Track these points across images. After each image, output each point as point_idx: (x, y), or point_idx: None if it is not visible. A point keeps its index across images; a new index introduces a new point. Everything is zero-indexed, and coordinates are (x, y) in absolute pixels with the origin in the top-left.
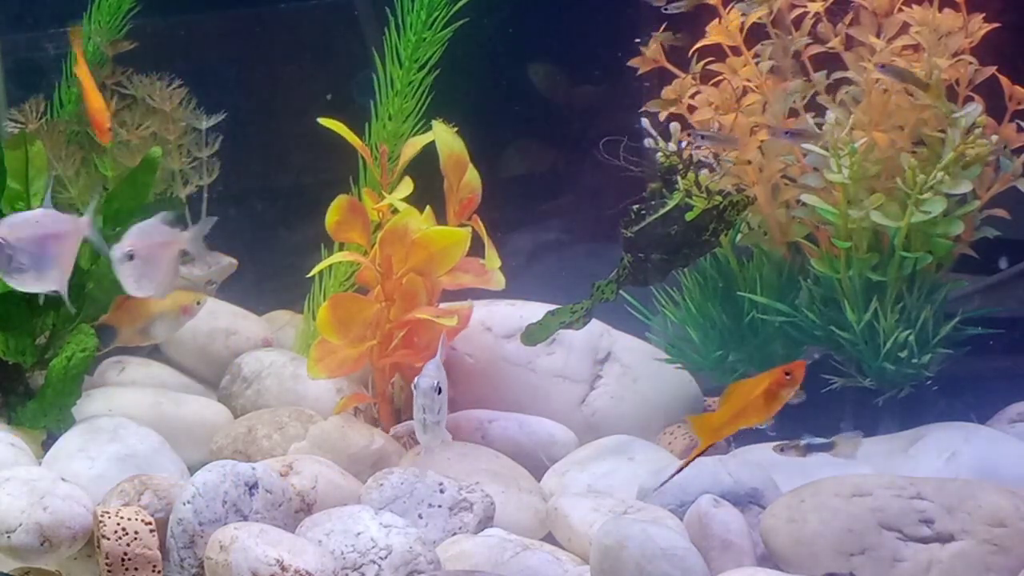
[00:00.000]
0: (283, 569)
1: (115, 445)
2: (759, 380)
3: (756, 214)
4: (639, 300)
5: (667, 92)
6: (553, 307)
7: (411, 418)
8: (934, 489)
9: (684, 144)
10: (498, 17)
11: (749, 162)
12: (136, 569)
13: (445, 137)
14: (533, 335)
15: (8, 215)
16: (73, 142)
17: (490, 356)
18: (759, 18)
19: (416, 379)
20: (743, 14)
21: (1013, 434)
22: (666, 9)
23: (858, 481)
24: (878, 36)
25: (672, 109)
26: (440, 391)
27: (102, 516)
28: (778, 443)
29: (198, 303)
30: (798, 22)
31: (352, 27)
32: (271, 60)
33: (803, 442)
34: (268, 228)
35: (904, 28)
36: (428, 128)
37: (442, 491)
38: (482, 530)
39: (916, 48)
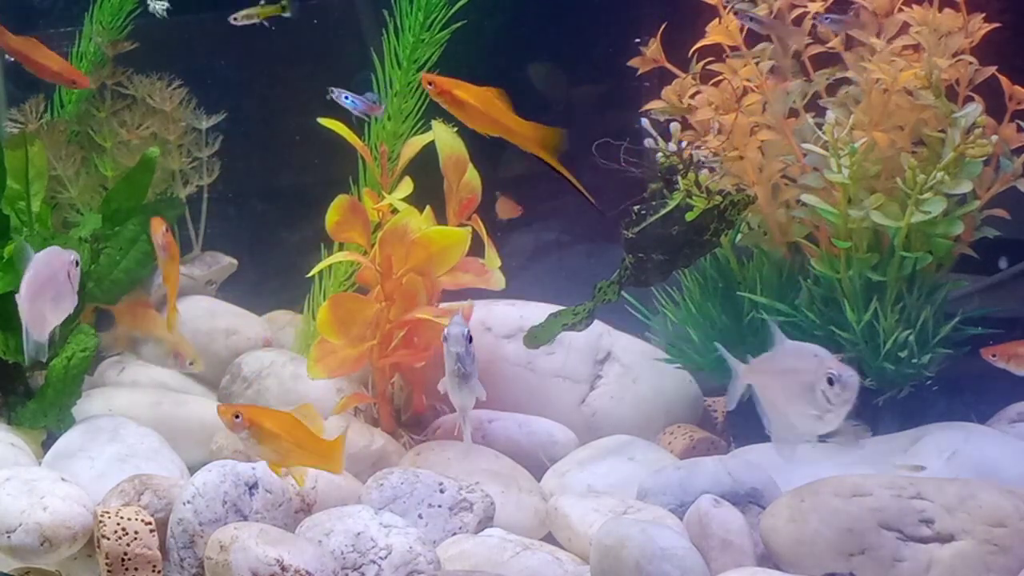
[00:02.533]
0: (283, 569)
1: (115, 445)
2: None
3: (756, 214)
4: (639, 300)
5: (667, 93)
6: (553, 307)
7: (412, 418)
8: (934, 489)
9: (684, 144)
10: (497, 17)
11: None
12: (136, 569)
13: (445, 137)
14: (536, 337)
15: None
16: (73, 142)
17: (490, 356)
18: None
19: (445, 330)
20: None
21: (1013, 434)
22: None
23: (858, 481)
24: (878, 36)
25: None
26: (471, 340)
27: (102, 516)
28: None
29: (191, 363)
30: (798, 22)
31: (352, 27)
32: (270, 60)
33: None
34: (268, 228)
35: (904, 28)
36: (427, 128)
37: (442, 491)
38: (482, 530)
39: (916, 48)
